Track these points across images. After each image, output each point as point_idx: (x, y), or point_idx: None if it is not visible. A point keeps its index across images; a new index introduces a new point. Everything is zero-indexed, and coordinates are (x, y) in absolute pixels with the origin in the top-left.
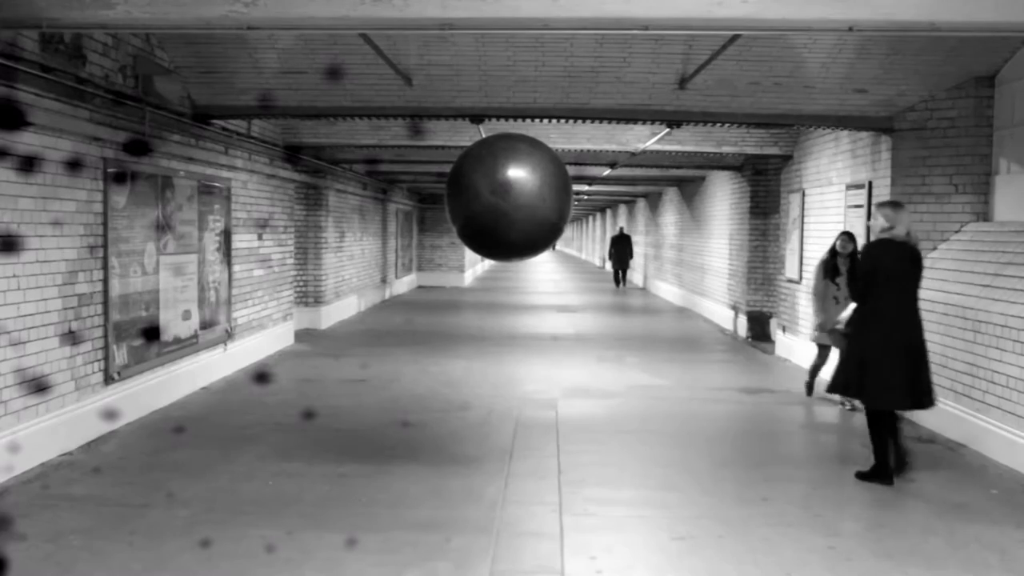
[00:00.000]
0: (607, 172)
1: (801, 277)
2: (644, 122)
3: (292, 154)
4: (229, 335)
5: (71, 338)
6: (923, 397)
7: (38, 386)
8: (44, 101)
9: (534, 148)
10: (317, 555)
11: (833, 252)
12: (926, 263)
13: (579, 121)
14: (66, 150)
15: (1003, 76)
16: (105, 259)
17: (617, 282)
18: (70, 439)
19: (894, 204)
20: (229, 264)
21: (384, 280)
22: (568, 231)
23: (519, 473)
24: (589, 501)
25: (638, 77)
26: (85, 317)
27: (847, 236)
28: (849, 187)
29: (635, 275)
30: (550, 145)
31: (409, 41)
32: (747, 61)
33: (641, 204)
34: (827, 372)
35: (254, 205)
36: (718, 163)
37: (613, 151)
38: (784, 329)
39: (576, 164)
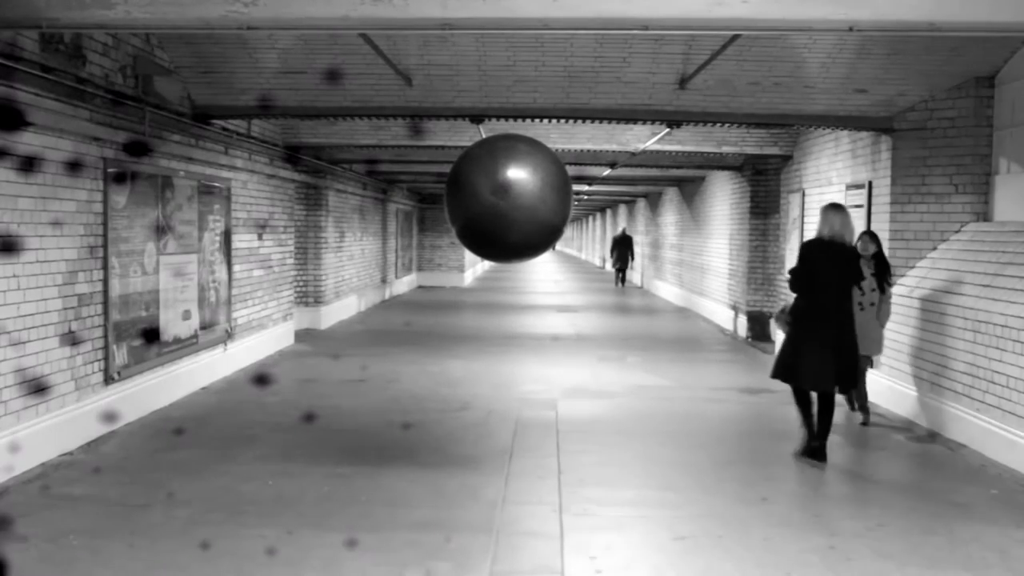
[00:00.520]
0: (607, 172)
1: None
2: (644, 122)
3: (292, 154)
4: (229, 335)
5: (71, 338)
6: (845, 381)
7: (37, 387)
8: (44, 101)
9: (534, 149)
10: (317, 555)
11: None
12: (925, 263)
13: (579, 121)
14: (66, 150)
15: (1003, 76)
16: (105, 259)
17: (618, 281)
18: (70, 439)
19: (832, 207)
20: (229, 264)
21: (384, 280)
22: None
23: (519, 473)
24: (589, 501)
25: (638, 77)
26: (85, 317)
27: (868, 236)
28: (849, 187)
29: (635, 275)
30: (550, 145)
31: (409, 41)
32: (747, 61)
33: (641, 204)
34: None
35: (254, 205)
36: (718, 163)
37: (613, 151)
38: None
39: (576, 164)
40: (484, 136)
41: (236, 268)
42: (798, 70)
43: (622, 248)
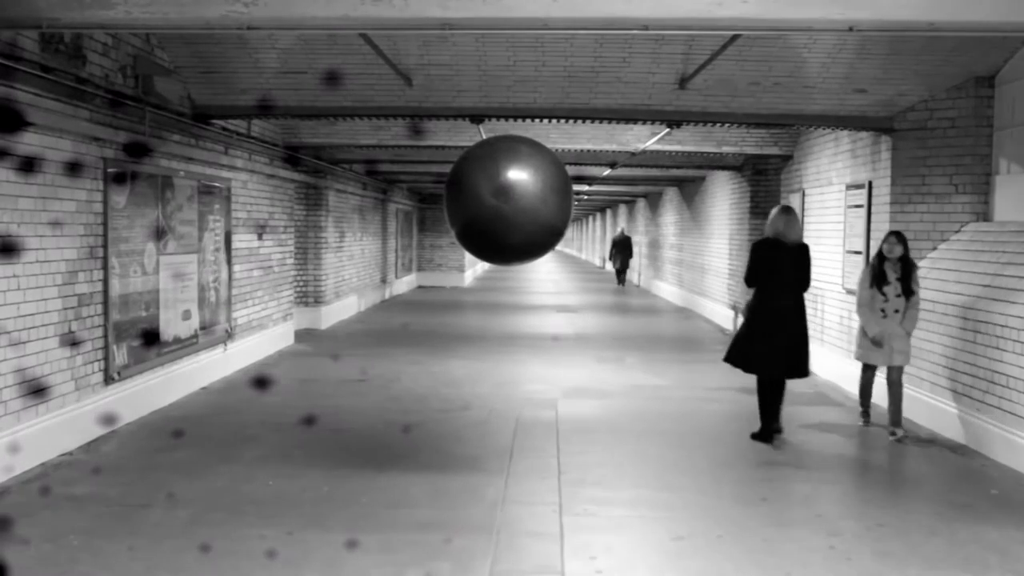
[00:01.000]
0: (607, 172)
1: None
2: (644, 122)
3: (292, 154)
4: (229, 335)
5: (71, 338)
6: (795, 369)
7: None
8: (44, 101)
9: (535, 150)
10: (317, 555)
11: (880, 257)
12: (925, 263)
13: (579, 121)
14: (66, 150)
15: (1003, 76)
16: (105, 259)
17: (618, 281)
18: (70, 439)
19: (780, 209)
20: (229, 264)
21: (384, 280)
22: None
23: (519, 473)
24: (589, 501)
25: (638, 77)
26: (85, 317)
27: (895, 237)
28: (849, 187)
29: (635, 275)
30: (550, 145)
31: (409, 41)
32: (747, 61)
33: (641, 204)
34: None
35: (254, 205)
36: (718, 163)
37: (613, 151)
38: None
39: (576, 164)
40: (484, 136)
41: (236, 268)
42: (798, 70)
43: (622, 249)
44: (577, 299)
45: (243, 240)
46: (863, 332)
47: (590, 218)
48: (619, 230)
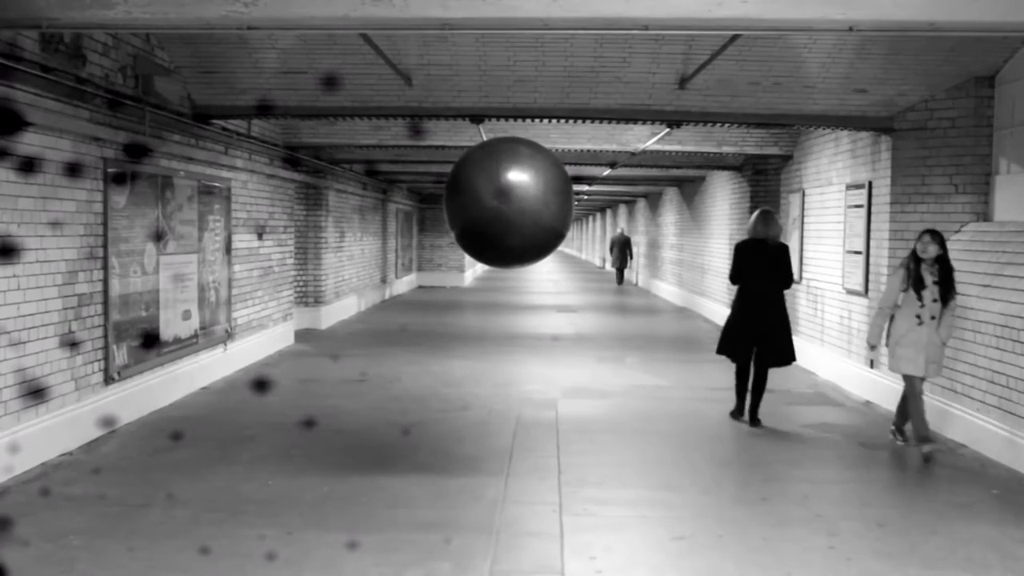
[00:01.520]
0: (607, 172)
1: (801, 277)
2: (644, 122)
3: (292, 154)
4: (229, 335)
5: (71, 338)
6: (778, 357)
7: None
8: (44, 101)
9: (536, 152)
10: (317, 555)
11: (916, 258)
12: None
13: (579, 121)
14: (66, 150)
15: (1003, 76)
16: (105, 259)
17: (617, 280)
18: (70, 439)
19: (760, 214)
20: (229, 264)
21: (384, 280)
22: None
23: (519, 473)
24: (589, 501)
25: (638, 77)
26: (85, 317)
27: (929, 236)
28: (849, 187)
29: (635, 275)
30: (550, 145)
31: (409, 41)
32: (747, 61)
33: (641, 204)
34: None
35: (254, 205)
36: (718, 163)
37: (613, 151)
38: None
39: (576, 164)
40: (484, 136)
41: (236, 268)
42: (798, 70)
43: (621, 248)
44: (577, 299)
45: (243, 240)
46: (898, 338)
47: (590, 218)
48: (618, 230)
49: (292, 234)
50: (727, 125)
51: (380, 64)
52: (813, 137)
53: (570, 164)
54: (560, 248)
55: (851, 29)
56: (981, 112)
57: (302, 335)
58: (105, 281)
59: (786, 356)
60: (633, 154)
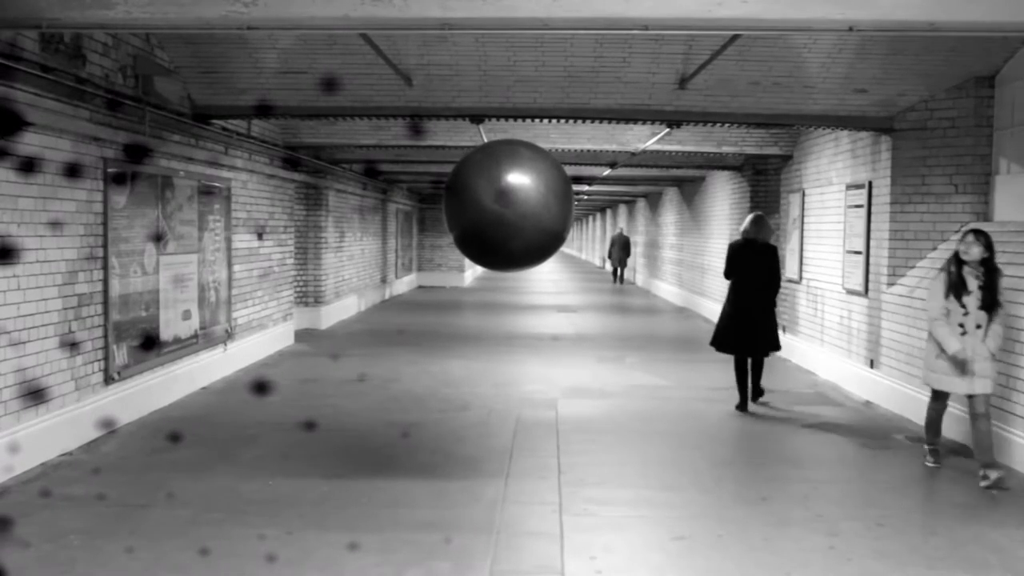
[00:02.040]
0: (607, 172)
1: (801, 277)
2: (644, 122)
3: (292, 154)
4: (229, 335)
5: (71, 338)
6: (759, 349)
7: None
8: (44, 101)
9: (537, 154)
10: (317, 555)
11: (957, 261)
12: (925, 263)
13: (579, 121)
14: (66, 150)
15: (1003, 76)
16: (105, 259)
17: (616, 279)
18: (70, 439)
19: (753, 218)
20: (229, 264)
21: (384, 280)
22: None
23: (519, 473)
24: (589, 501)
25: (638, 77)
26: (85, 317)
27: (973, 236)
28: (849, 187)
29: (635, 275)
30: (550, 145)
31: (409, 41)
32: (747, 61)
33: (641, 204)
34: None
35: (254, 205)
36: (718, 163)
37: (613, 151)
38: (784, 329)
39: (576, 164)
40: (484, 136)
41: (236, 268)
42: (798, 70)
43: (620, 248)
44: (577, 299)
45: (243, 240)
46: (938, 351)
47: (590, 218)
48: (618, 230)
49: (292, 234)
50: (727, 125)
51: (380, 64)
52: (813, 137)
53: (570, 164)
54: (560, 248)
55: (851, 29)
56: (981, 112)
57: (302, 335)
58: (105, 281)
59: (771, 344)
60: (633, 154)
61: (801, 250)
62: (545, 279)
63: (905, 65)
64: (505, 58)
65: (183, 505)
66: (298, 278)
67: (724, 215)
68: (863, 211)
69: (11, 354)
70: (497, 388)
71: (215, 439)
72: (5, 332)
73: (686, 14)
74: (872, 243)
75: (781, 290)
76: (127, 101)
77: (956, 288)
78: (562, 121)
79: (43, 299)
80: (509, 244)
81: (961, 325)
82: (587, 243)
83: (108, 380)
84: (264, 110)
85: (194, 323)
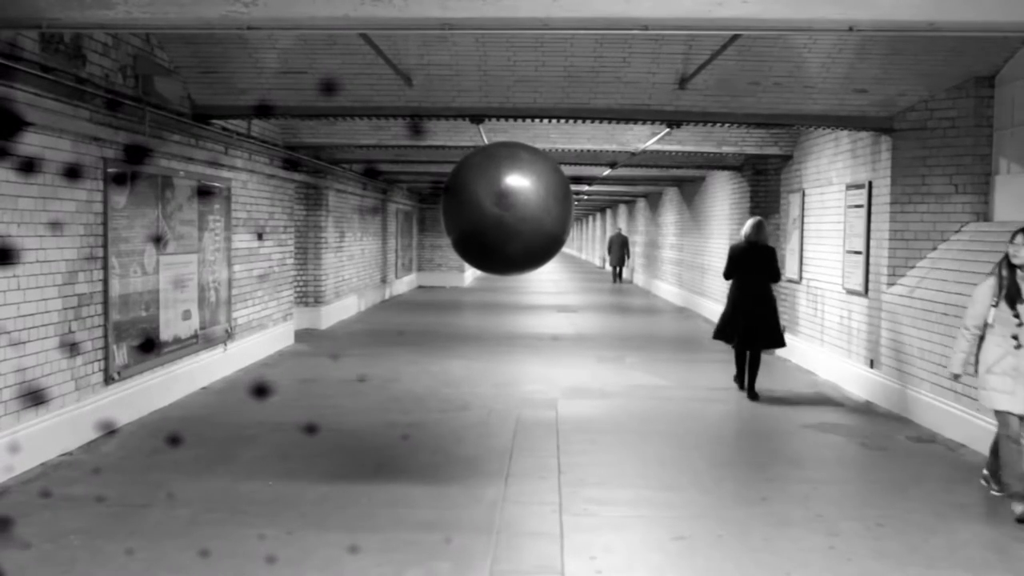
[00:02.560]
0: (607, 172)
1: (801, 277)
2: (644, 122)
3: (292, 154)
4: (229, 335)
5: (71, 338)
6: (759, 342)
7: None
8: (44, 101)
9: (536, 157)
10: (317, 555)
11: (1010, 265)
12: (925, 263)
13: (579, 121)
14: (66, 150)
15: (1003, 76)
16: (105, 259)
17: (615, 278)
18: (70, 439)
19: (752, 222)
20: (229, 264)
21: (384, 280)
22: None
23: (519, 473)
24: (589, 501)
25: (638, 77)
26: (85, 317)
27: (1023, 235)
28: (849, 187)
29: (635, 275)
30: (550, 145)
31: (409, 41)
32: (747, 61)
33: (641, 204)
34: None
35: (254, 205)
36: (718, 163)
37: (613, 151)
38: (784, 329)
39: (576, 164)
40: (484, 136)
41: (236, 268)
42: (798, 70)
43: (619, 247)
44: (577, 299)
45: (243, 240)
46: (989, 364)
47: (590, 218)
48: (616, 230)
49: (292, 234)
50: (727, 125)
51: (380, 64)
52: (813, 137)
53: (570, 164)
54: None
55: (851, 29)
56: (981, 112)
57: (302, 335)
58: (105, 281)
59: (775, 340)
60: (633, 154)
61: (801, 250)
62: (545, 279)
63: (905, 65)
64: (505, 58)
65: (183, 505)
66: (298, 278)
67: (724, 215)
68: (863, 211)
69: (11, 354)
70: (497, 388)
71: (215, 439)
72: (5, 332)
73: (686, 14)
74: (872, 243)
75: (781, 291)
76: (127, 101)
77: (1009, 295)
78: (562, 121)
79: (43, 299)
80: (509, 248)
81: (1015, 337)
82: (587, 243)
83: (108, 380)
84: (264, 110)
85: (194, 323)
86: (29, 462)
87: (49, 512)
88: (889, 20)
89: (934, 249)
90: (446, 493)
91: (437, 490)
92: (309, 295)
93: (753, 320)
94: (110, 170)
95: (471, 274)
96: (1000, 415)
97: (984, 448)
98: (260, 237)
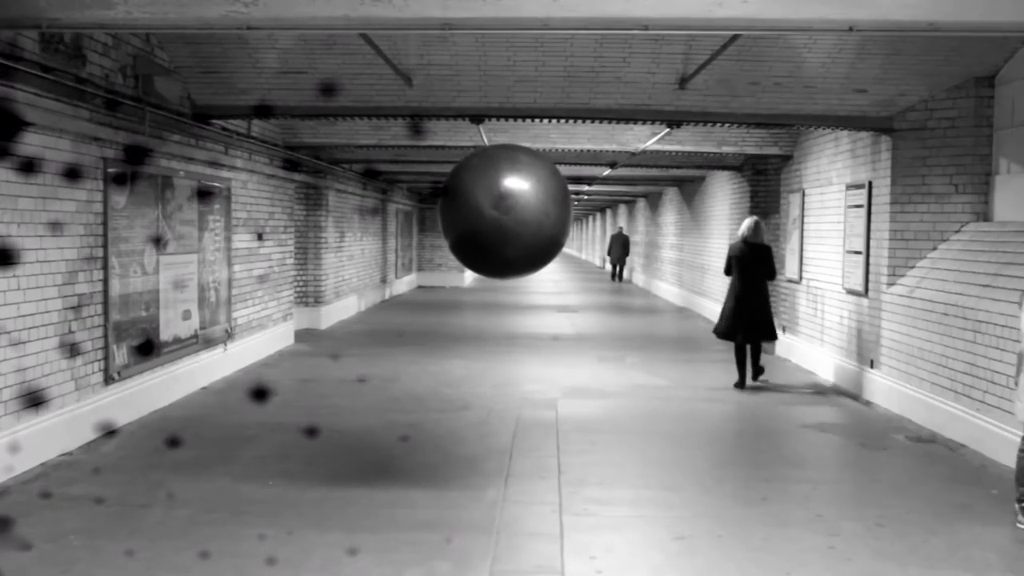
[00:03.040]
0: (607, 172)
1: (801, 277)
2: (644, 122)
3: (292, 154)
4: (229, 335)
5: (71, 338)
6: (757, 334)
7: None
8: (44, 101)
9: (535, 160)
10: (317, 555)
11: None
12: (925, 263)
13: (579, 121)
14: (66, 150)
15: (1003, 76)
16: (105, 259)
17: (614, 277)
18: (70, 439)
19: (750, 222)
20: (229, 264)
21: (384, 280)
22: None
23: (519, 473)
24: (589, 501)
25: (638, 77)
26: (85, 317)
27: None
28: (849, 187)
29: (635, 275)
30: (550, 145)
31: (409, 41)
32: (747, 61)
33: (641, 204)
34: None
35: (254, 205)
36: (718, 163)
37: (613, 151)
38: (784, 329)
39: (576, 164)
40: (484, 136)
41: (236, 268)
42: (798, 70)
43: (620, 245)
44: (577, 299)
45: (243, 240)
46: None
47: (590, 218)
48: (617, 228)
49: (292, 234)
50: (727, 125)
51: (380, 64)
52: (813, 137)
53: (570, 164)
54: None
55: (851, 29)
56: (981, 112)
57: (302, 335)
58: (105, 281)
59: (768, 332)
60: (633, 154)
61: (801, 250)
62: (545, 279)
63: (905, 65)
64: (505, 58)
65: (183, 505)
66: (298, 278)
67: (724, 215)
68: (863, 211)
69: (11, 354)
70: (497, 388)
71: (215, 439)
72: (5, 332)
73: (686, 14)
74: (872, 243)
75: (781, 291)
76: (127, 101)
77: None
78: (562, 121)
79: (43, 299)
80: (511, 251)
81: None
82: (587, 243)
83: (108, 380)
84: (264, 110)
85: (194, 323)
86: (29, 462)
87: (49, 512)
88: (889, 20)
89: (934, 249)
90: (446, 493)
91: (437, 490)
92: (309, 295)
93: (751, 314)
94: (110, 170)
95: (471, 274)
96: None
97: (984, 448)
98: (260, 237)
